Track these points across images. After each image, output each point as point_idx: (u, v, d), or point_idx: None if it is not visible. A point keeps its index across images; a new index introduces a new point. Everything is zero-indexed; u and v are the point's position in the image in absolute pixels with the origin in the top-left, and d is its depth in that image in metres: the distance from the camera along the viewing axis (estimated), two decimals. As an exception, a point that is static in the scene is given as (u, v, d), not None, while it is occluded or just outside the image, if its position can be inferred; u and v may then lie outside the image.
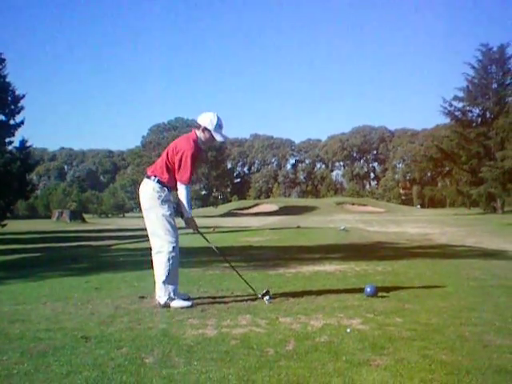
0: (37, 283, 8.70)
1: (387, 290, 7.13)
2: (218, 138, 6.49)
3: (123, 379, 3.57)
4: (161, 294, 6.24)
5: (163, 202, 6.30)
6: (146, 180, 6.45)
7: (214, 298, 6.74)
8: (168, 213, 6.30)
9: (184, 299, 6.32)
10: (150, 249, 6.45)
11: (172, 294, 6.25)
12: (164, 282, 6.23)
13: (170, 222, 6.30)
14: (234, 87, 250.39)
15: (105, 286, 7.96)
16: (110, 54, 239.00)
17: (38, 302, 6.61)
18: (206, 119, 6.46)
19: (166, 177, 6.31)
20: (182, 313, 5.78)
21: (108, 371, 3.74)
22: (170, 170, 6.32)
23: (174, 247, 6.25)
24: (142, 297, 6.79)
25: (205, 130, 6.43)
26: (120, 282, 8.55)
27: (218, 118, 6.48)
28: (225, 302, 6.40)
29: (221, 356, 4.07)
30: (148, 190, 6.36)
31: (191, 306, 6.15)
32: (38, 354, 4.17)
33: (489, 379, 3.51)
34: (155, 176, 6.33)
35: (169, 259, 6.22)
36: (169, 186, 6.33)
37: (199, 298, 6.49)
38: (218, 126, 6.46)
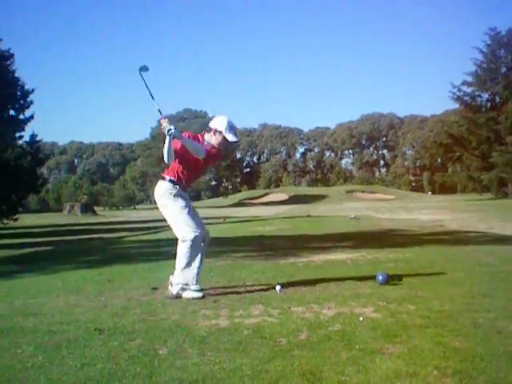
0: (49, 276, 8.74)
1: (399, 277, 7.12)
2: (230, 137, 6.43)
3: (137, 370, 3.58)
4: (176, 281, 6.28)
5: (175, 196, 6.31)
6: (159, 181, 6.51)
7: (226, 288, 6.75)
8: (183, 204, 6.32)
9: (196, 290, 6.34)
10: (167, 240, 6.52)
11: (191, 282, 6.27)
12: (182, 269, 6.27)
13: (187, 213, 6.32)
14: (242, 77, 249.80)
15: (117, 278, 7.98)
16: (118, 47, 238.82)
17: (50, 295, 6.64)
18: (217, 121, 6.48)
19: (176, 175, 6.33)
20: (195, 304, 5.80)
21: (122, 363, 3.76)
22: (180, 168, 6.34)
23: (196, 236, 6.23)
24: (155, 288, 6.81)
25: (216, 131, 6.42)
26: (132, 273, 8.58)
27: (229, 121, 6.46)
28: (237, 293, 6.41)
29: (234, 346, 4.08)
30: (160, 189, 6.41)
31: (203, 297, 6.16)
32: (52, 347, 4.20)
33: (503, 365, 3.50)
34: (168, 175, 6.37)
35: (190, 247, 6.22)
36: (180, 183, 6.35)
37: (211, 288, 6.50)
38: (230, 127, 6.43)
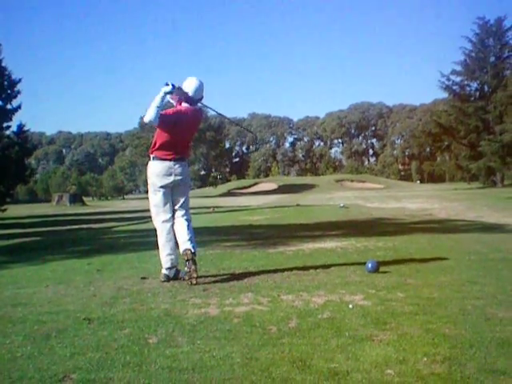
0: (38, 267, 8.70)
1: (388, 265, 7.15)
2: (187, 88, 6.59)
3: (127, 359, 3.58)
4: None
5: (151, 176, 6.54)
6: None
7: (216, 277, 6.75)
8: (156, 186, 6.56)
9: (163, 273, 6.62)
10: (150, 230, 6.58)
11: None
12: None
13: (159, 197, 6.59)
14: (230, 66, 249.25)
15: (106, 268, 7.96)
16: (106, 35, 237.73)
17: (39, 286, 6.62)
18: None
19: (156, 149, 6.49)
20: (185, 293, 5.79)
21: (111, 352, 3.75)
22: (160, 140, 6.47)
23: (161, 222, 6.62)
24: (144, 278, 6.80)
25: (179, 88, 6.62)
26: (121, 263, 8.57)
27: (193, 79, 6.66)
28: (226, 281, 6.42)
29: (224, 334, 4.08)
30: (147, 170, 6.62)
31: (165, 280, 6.50)
32: (41, 337, 4.18)
33: (492, 352, 3.52)
34: (151, 154, 6.59)
35: (159, 232, 6.67)
36: (157, 156, 6.47)
37: (201, 277, 6.48)
38: (189, 82, 6.62)
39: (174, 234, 6.55)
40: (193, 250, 6.30)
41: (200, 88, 6.58)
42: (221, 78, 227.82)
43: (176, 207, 6.61)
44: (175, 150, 6.42)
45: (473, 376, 3.11)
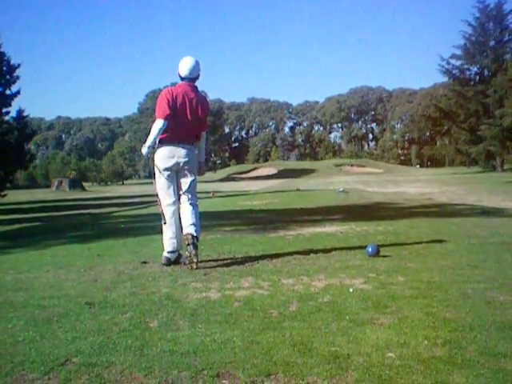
0: (39, 252, 8.71)
1: (389, 249, 7.16)
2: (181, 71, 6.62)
3: (128, 343, 3.59)
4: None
5: (157, 159, 6.57)
6: None
7: (216, 261, 6.75)
8: (161, 169, 6.59)
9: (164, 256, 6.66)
10: (156, 214, 6.59)
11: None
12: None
13: (163, 180, 6.65)
14: (230, 51, 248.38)
15: (107, 253, 7.97)
16: (106, 20, 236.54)
17: (40, 270, 6.62)
18: None
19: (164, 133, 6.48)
20: (185, 277, 5.80)
21: (113, 336, 3.76)
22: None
23: (166, 206, 6.65)
24: (145, 262, 6.81)
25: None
26: (122, 248, 8.57)
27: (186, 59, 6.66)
28: (227, 265, 6.42)
29: (225, 318, 4.09)
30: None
31: (166, 264, 6.53)
32: (42, 321, 4.19)
33: (493, 335, 3.52)
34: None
35: (163, 216, 6.68)
36: (160, 139, 6.46)
37: (201, 261, 6.49)
38: (182, 64, 6.62)
39: (180, 218, 6.55)
40: (195, 234, 6.30)
41: (196, 66, 6.57)
42: (220, 62, 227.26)
43: (181, 191, 6.60)
44: (178, 133, 6.40)
45: (474, 359, 3.12)
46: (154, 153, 6.48)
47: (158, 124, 6.31)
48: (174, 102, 6.38)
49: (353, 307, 4.28)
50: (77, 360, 3.32)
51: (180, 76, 6.59)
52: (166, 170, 6.50)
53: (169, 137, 6.41)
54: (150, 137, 6.35)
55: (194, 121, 6.54)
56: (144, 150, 6.39)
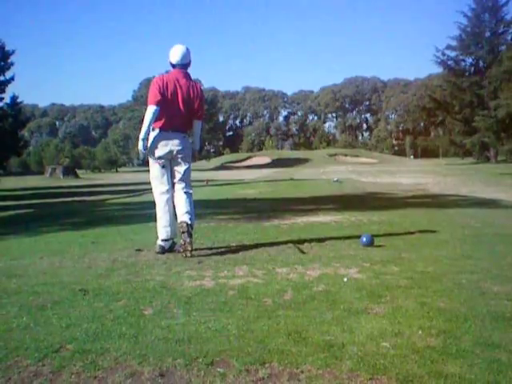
0: (32, 238, 8.69)
1: (383, 239, 7.17)
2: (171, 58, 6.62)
3: (123, 330, 3.58)
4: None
5: (151, 147, 6.52)
6: None
7: (211, 249, 6.75)
8: (155, 157, 6.58)
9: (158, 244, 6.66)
10: (150, 202, 6.58)
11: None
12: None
13: (157, 169, 6.65)
14: (225, 39, 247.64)
15: (101, 240, 7.95)
16: (99, 9, 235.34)
17: (34, 257, 6.60)
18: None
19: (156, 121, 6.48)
20: (180, 265, 5.79)
21: (107, 323, 3.75)
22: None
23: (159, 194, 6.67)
24: (139, 250, 6.80)
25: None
26: (116, 235, 8.56)
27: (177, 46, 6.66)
28: (221, 254, 6.42)
29: (219, 306, 4.09)
30: None
31: (160, 252, 6.52)
32: (36, 308, 4.18)
33: (487, 325, 3.53)
34: None
35: (157, 204, 6.70)
36: (154, 127, 6.46)
37: (196, 249, 6.48)
38: (172, 51, 6.62)
39: (174, 207, 6.54)
40: (189, 222, 6.30)
41: (187, 54, 6.56)
42: (215, 51, 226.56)
43: (175, 180, 6.59)
44: (171, 121, 6.38)
45: (468, 349, 3.12)
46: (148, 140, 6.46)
47: (150, 110, 6.29)
48: (165, 88, 6.36)
49: (347, 296, 4.28)
50: (71, 347, 3.31)
51: (171, 63, 6.58)
52: (160, 158, 6.49)
53: (162, 125, 6.40)
54: (143, 125, 6.32)
55: (187, 108, 6.51)
56: (140, 145, 6.37)
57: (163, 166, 6.52)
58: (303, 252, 6.37)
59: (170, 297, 4.41)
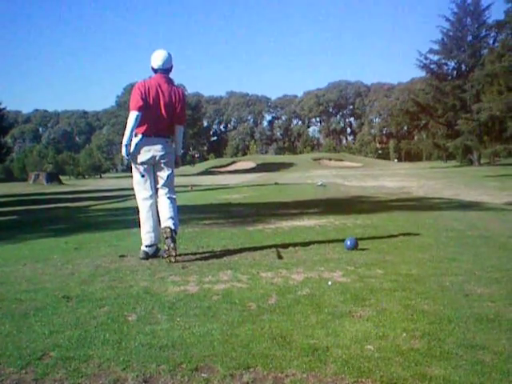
0: (15, 245, 8.63)
1: (367, 242, 7.19)
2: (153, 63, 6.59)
3: (106, 337, 3.56)
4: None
5: (134, 153, 6.48)
6: None
7: (195, 254, 6.73)
8: (137, 163, 6.55)
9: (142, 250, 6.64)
10: (134, 208, 6.54)
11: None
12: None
13: (140, 175, 6.61)
14: (208, 44, 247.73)
15: (84, 246, 7.91)
16: (83, 14, 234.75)
17: (17, 264, 6.55)
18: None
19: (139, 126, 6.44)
20: (164, 270, 5.77)
21: (91, 330, 3.73)
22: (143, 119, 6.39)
23: (142, 200, 6.66)
24: (122, 256, 6.76)
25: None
26: (99, 241, 8.50)
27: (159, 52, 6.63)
28: (205, 259, 6.40)
29: (203, 312, 4.07)
30: None
31: (144, 258, 6.51)
32: (19, 315, 4.14)
33: (471, 327, 3.55)
34: None
35: (141, 209, 6.70)
36: (137, 132, 6.42)
37: (180, 255, 6.46)
38: (154, 56, 6.59)
39: (158, 212, 6.52)
40: (173, 228, 6.28)
41: (168, 58, 6.55)
42: (198, 56, 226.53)
43: (159, 185, 6.57)
44: (153, 126, 6.37)
45: (452, 351, 3.13)
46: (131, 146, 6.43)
47: (133, 115, 6.26)
48: (147, 93, 6.35)
49: (331, 300, 4.28)
50: (54, 354, 3.29)
51: (153, 68, 6.56)
52: (143, 163, 6.47)
53: (144, 130, 6.38)
54: (126, 132, 6.30)
55: (169, 113, 6.49)
56: (123, 150, 6.34)
57: (142, 176, 6.51)
58: (281, 257, 6.36)
59: (153, 302, 4.39)
